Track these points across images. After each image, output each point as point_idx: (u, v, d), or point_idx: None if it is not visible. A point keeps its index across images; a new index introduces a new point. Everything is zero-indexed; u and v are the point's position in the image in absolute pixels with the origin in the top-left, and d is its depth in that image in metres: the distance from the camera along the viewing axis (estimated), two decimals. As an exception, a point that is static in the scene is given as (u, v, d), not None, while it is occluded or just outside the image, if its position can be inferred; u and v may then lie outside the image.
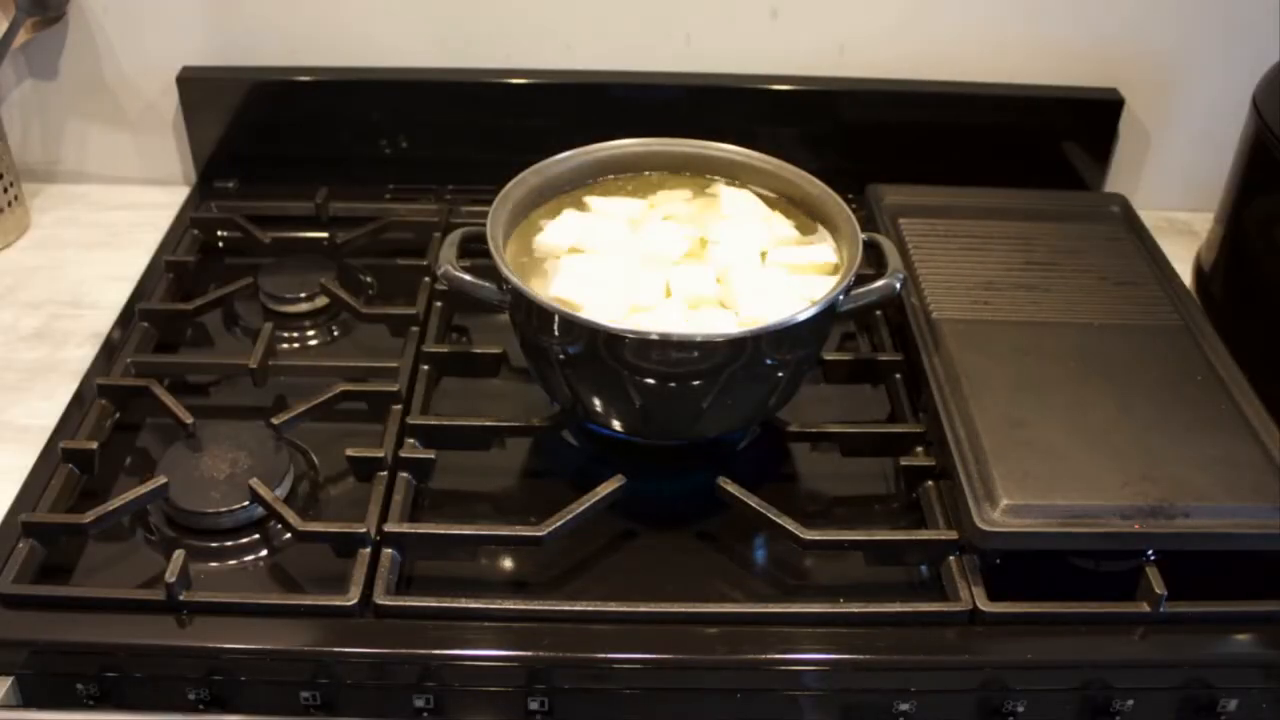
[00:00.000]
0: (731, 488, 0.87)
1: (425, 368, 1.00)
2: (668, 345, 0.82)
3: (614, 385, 0.85)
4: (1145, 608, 0.81)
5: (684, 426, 0.90)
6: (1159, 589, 0.80)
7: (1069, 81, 1.22)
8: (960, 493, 0.84)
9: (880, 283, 0.91)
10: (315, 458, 0.94)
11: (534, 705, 0.80)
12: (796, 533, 0.84)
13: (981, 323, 0.98)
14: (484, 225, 0.89)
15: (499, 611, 0.80)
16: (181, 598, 0.79)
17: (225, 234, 1.20)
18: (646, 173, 1.01)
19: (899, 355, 1.02)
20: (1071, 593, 0.82)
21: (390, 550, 0.83)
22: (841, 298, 0.86)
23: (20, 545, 0.82)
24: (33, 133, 1.26)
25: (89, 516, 0.83)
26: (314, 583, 0.84)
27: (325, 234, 1.18)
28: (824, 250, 0.93)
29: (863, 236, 0.90)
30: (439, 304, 1.07)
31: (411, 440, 0.92)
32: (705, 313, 0.87)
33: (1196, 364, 0.95)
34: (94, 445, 0.90)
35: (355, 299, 1.07)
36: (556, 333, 0.84)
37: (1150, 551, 0.82)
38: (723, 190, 0.99)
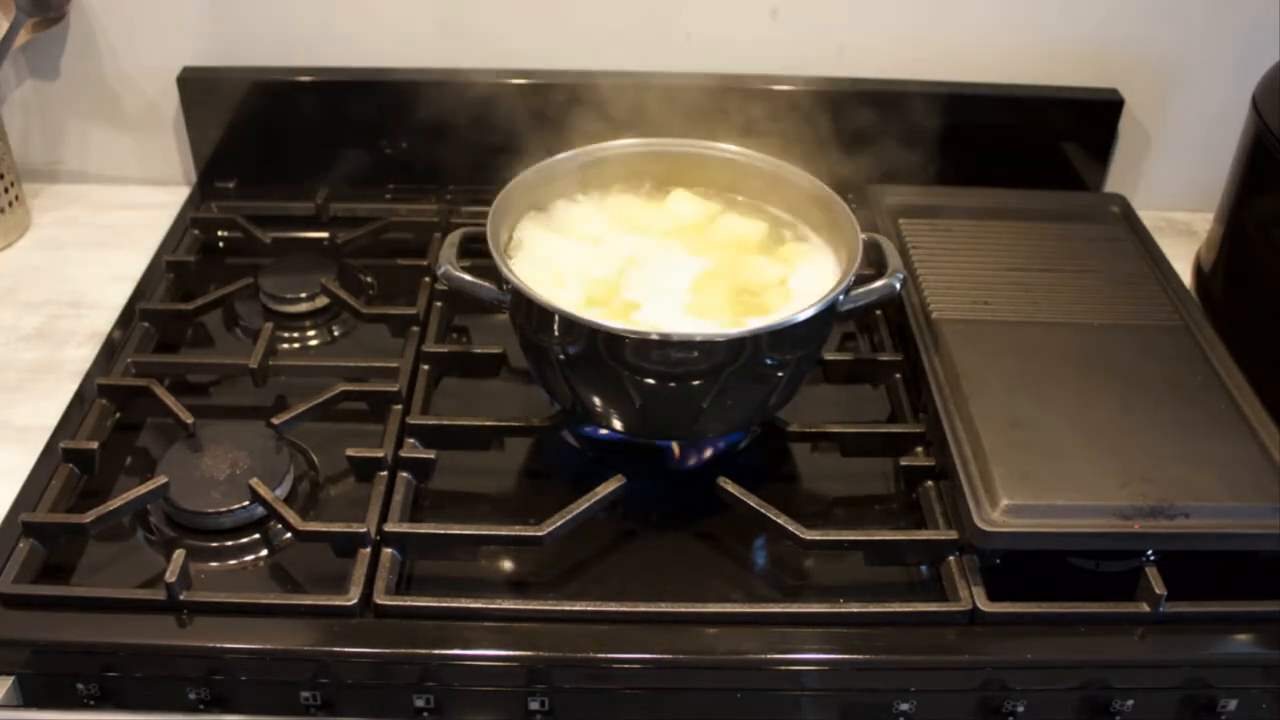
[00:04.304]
0: (731, 488, 0.87)
1: (425, 368, 1.00)
2: (668, 345, 0.82)
3: (614, 385, 0.85)
4: (1145, 608, 0.81)
5: (684, 426, 0.90)
6: (1159, 589, 0.80)
7: (1069, 82, 1.22)
8: (960, 493, 0.84)
9: (880, 283, 0.91)
10: (315, 458, 0.94)
11: (534, 705, 0.80)
12: (796, 533, 0.84)
13: (981, 323, 0.98)
14: (484, 225, 0.89)
15: (499, 611, 0.80)
16: (182, 598, 0.79)
17: (225, 234, 1.20)
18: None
19: (899, 355, 1.02)
20: (1071, 593, 0.82)
21: (390, 550, 0.83)
22: (841, 298, 0.86)
23: (20, 545, 0.82)
24: (33, 133, 1.26)
25: (89, 516, 0.83)
26: (314, 582, 0.84)
27: (325, 234, 1.18)
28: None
29: (863, 236, 0.90)
30: (439, 304, 1.07)
31: (411, 440, 0.92)
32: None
33: (1196, 364, 0.95)
34: (94, 445, 0.90)
35: (355, 299, 1.07)
36: (556, 333, 0.84)
37: (1150, 552, 0.82)
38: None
